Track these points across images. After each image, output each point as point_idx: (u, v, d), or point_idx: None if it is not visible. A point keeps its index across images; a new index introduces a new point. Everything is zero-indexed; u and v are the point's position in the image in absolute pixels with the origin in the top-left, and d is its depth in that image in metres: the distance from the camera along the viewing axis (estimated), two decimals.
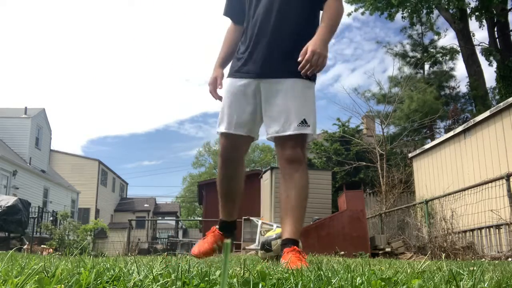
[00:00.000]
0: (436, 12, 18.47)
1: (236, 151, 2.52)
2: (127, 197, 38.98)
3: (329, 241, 7.69)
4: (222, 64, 2.67)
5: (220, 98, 2.54)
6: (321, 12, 2.46)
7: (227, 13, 2.70)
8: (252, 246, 9.55)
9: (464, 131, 8.44)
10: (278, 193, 2.48)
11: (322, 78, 77.31)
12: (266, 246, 2.78)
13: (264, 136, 2.53)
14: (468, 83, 18.46)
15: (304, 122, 2.30)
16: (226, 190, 2.62)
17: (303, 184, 2.31)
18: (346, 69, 74.98)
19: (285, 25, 2.37)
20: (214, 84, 2.60)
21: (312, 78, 2.40)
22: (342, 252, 6.80)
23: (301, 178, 2.31)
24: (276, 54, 2.36)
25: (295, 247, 2.17)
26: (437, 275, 1.32)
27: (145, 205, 35.52)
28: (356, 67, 69.64)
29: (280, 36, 2.36)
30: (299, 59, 2.23)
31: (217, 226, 2.66)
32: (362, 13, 16.70)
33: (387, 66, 59.35)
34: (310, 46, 2.23)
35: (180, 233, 33.89)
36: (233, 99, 2.45)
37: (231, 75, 2.51)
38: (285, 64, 2.35)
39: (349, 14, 17.13)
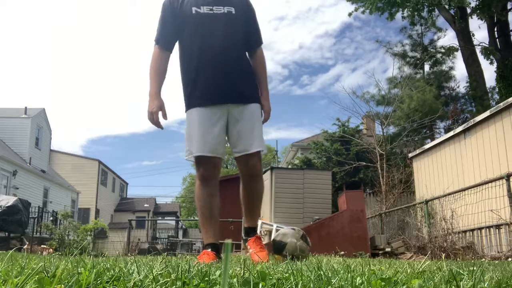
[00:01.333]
0: (436, 12, 18.48)
1: (215, 169, 2.75)
2: (127, 197, 38.96)
3: (329, 241, 7.69)
4: (159, 91, 2.81)
5: (161, 127, 2.76)
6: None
7: (160, 42, 2.83)
8: None
9: (464, 131, 8.44)
10: (242, 195, 2.89)
11: (322, 78, 77.33)
12: (279, 246, 2.81)
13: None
14: (468, 83, 18.46)
15: (258, 143, 2.73)
16: (211, 211, 2.71)
17: (262, 191, 2.90)
18: (347, 69, 74.98)
19: (233, 57, 2.73)
20: (159, 113, 2.74)
21: (259, 103, 2.85)
22: (342, 252, 6.80)
23: (261, 187, 2.87)
24: (238, 82, 2.73)
25: (257, 235, 2.91)
26: (437, 275, 1.32)
27: (145, 205, 35.52)
28: (357, 67, 69.65)
29: (233, 66, 2.72)
30: (263, 118, 2.86)
31: (209, 249, 2.64)
32: (363, 12, 16.68)
33: (388, 66, 59.25)
34: (265, 107, 2.88)
35: (180, 233, 33.87)
36: (205, 126, 2.69)
37: (197, 104, 2.72)
38: (248, 91, 2.77)
39: (350, 14, 17.11)
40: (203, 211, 2.72)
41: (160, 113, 2.74)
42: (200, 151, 2.66)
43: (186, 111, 2.79)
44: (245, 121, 2.71)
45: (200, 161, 2.69)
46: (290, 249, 2.73)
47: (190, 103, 2.74)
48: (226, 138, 2.80)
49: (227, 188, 2.86)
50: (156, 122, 2.73)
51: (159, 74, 2.81)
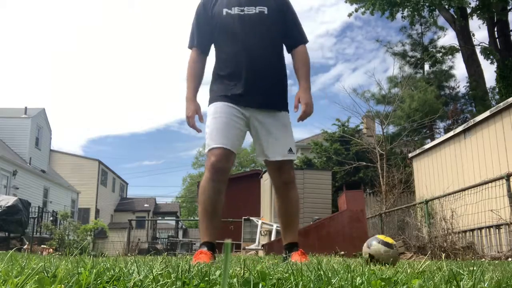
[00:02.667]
0: (436, 12, 18.48)
1: (228, 162, 2.61)
2: (127, 197, 38.95)
3: (329, 241, 7.69)
4: (196, 95, 2.81)
5: (200, 130, 2.75)
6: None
7: (198, 43, 2.82)
8: (252, 246, 9.56)
9: (464, 131, 8.44)
10: (277, 207, 2.89)
11: (323, 78, 77.34)
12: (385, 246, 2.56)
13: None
14: (468, 83, 18.46)
15: (291, 150, 2.72)
16: (215, 208, 2.60)
17: (297, 198, 2.82)
18: (347, 69, 75.04)
19: (264, 60, 2.71)
20: (195, 117, 2.74)
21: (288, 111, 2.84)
22: (342, 252, 6.80)
23: (296, 195, 2.80)
24: (271, 87, 2.71)
25: (301, 250, 2.69)
26: (437, 275, 1.32)
27: (145, 205, 35.51)
28: (358, 67, 69.70)
29: (263, 69, 2.68)
30: (295, 110, 2.73)
31: (205, 248, 2.52)
32: (363, 13, 16.70)
33: (388, 66, 59.35)
34: (303, 99, 2.74)
35: (180, 233, 33.88)
36: (228, 120, 2.64)
37: (222, 99, 2.68)
38: (280, 98, 2.76)
39: (350, 15, 17.13)
40: (206, 207, 2.60)
41: (196, 117, 2.75)
42: (218, 143, 2.58)
43: (209, 105, 2.74)
44: (278, 128, 2.71)
45: (214, 152, 2.59)
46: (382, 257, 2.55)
47: (215, 97, 2.72)
48: (254, 142, 2.80)
49: (227, 189, 2.75)
50: (192, 126, 2.73)
51: (195, 78, 2.81)
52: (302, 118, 2.76)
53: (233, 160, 2.69)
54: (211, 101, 2.72)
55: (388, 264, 2.40)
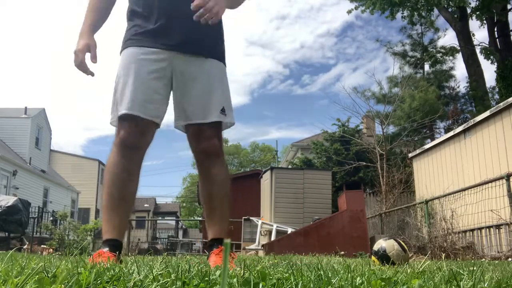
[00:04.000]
0: (436, 12, 18.50)
1: (143, 137, 2.01)
2: None
3: (329, 241, 7.69)
4: (93, 30, 2.15)
5: (92, 73, 2.11)
6: None
7: None
8: (252, 246, 9.56)
9: (464, 131, 8.44)
10: (200, 189, 2.19)
11: (323, 78, 77.35)
12: (382, 253, 2.60)
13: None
14: (468, 83, 18.47)
15: (223, 111, 2.04)
16: (121, 192, 1.97)
17: (223, 178, 2.10)
18: (348, 68, 75.04)
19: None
20: (85, 54, 2.07)
21: (224, 63, 2.16)
22: (342, 252, 6.80)
23: (220, 173, 2.08)
24: (196, 29, 1.97)
25: (221, 247, 1.98)
26: (437, 275, 1.32)
27: (145, 205, 35.54)
28: (358, 66, 69.71)
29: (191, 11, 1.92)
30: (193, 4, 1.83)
31: (106, 249, 1.83)
32: (363, 11, 16.70)
33: (389, 65, 59.41)
34: None
35: (180, 233, 33.92)
36: (138, 72, 1.99)
37: (133, 43, 2.03)
38: (207, 42, 2.07)
39: (349, 12, 17.12)
40: (110, 189, 1.96)
41: (88, 55, 2.08)
42: (126, 108, 1.94)
43: (120, 53, 2.10)
44: (203, 80, 2.02)
45: (124, 122, 1.97)
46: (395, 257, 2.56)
47: (127, 41, 2.06)
48: (173, 99, 2.09)
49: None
50: (80, 65, 2.06)
51: (94, 10, 2.16)
52: (196, 6, 1.83)
53: (150, 131, 2.03)
54: (123, 47, 2.08)
55: (395, 263, 2.42)
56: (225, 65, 2.16)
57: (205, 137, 2.03)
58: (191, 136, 2.07)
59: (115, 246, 1.86)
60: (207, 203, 2.10)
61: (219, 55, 2.12)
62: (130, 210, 2.07)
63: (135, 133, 1.98)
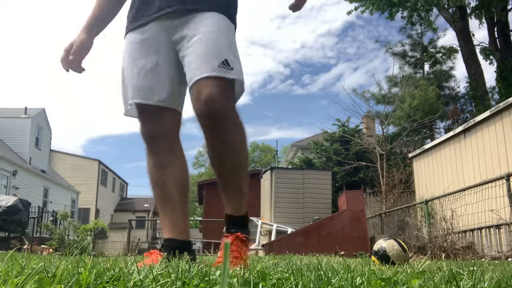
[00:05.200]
0: (436, 12, 18.51)
1: (156, 123, 1.83)
2: (127, 197, 38.99)
3: (329, 241, 7.69)
4: (90, 27, 1.98)
5: (81, 70, 1.97)
6: None
7: None
8: (252, 246, 9.56)
9: (464, 131, 8.44)
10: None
11: (324, 78, 77.39)
12: (382, 253, 2.57)
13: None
14: (468, 83, 18.48)
15: (225, 64, 1.68)
16: (163, 190, 1.83)
17: (236, 138, 1.71)
18: (349, 68, 74.99)
19: None
20: (68, 50, 1.93)
21: (232, 20, 1.83)
22: (342, 252, 6.80)
23: (234, 131, 1.70)
24: None
25: (238, 233, 1.71)
26: (437, 275, 1.32)
27: (145, 205, 35.51)
28: (359, 66, 69.66)
29: None
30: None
31: (157, 249, 1.79)
32: (362, 12, 16.73)
33: (389, 65, 59.34)
34: None
35: None
36: (128, 59, 1.86)
37: (126, 32, 1.91)
38: None
39: (349, 13, 17.15)
40: (153, 191, 1.85)
41: (75, 49, 1.93)
42: (136, 96, 1.81)
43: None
44: (195, 37, 1.73)
45: (139, 114, 1.85)
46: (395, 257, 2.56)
47: (127, 28, 1.94)
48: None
49: None
50: (62, 61, 1.92)
51: (97, 9, 1.99)
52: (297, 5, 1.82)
53: (169, 117, 1.84)
54: (125, 36, 1.95)
55: (395, 263, 2.43)
56: (232, 22, 1.83)
57: (206, 88, 1.65)
58: (192, 100, 1.71)
59: (167, 246, 1.76)
60: (217, 170, 1.77)
61: (218, 7, 1.78)
62: (183, 203, 1.85)
63: (144, 121, 1.84)
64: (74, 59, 1.92)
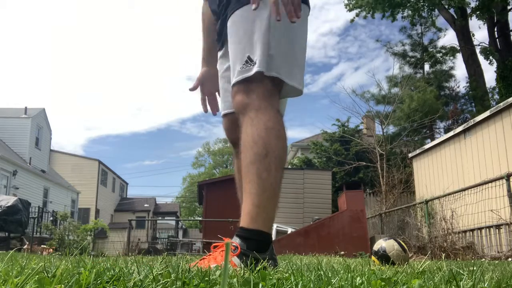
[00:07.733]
0: (436, 12, 18.52)
1: (233, 132, 1.79)
2: (127, 197, 38.99)
3: (329, 241, 7.70)
4: (208, 59, 2.06)
5: (206, 110, 2.07)
6: None
7: None
8: None
9: (464, 131, 8.44)
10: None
11: (325, 77, 77.37)
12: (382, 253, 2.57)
13: None
14: (468, 83, 18.48)
15: (248, 62, 1.57)
16: (240, 186, 1.77)
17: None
18: (350, 68, 74.86)
19: None
20: (200, 82, 2.05)
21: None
22: (342, 252, 6.81)
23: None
24: None
25: (236, 242, 1.49)
26: (437, 275, 1.32)
27: (145, 205, 35.53)
28: (360, 66, 69.52)
29: None
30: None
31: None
32: (365, 17, 16.85)
33: (390, 65, 58.98)
34: None
35: (180, 233, 33.93)
36: (213, 66, 2.04)
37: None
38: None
39: (352, 21, 17.37)
40: (237, 191, 1.80)
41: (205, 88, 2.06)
42: (220, 108, 2.03)
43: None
44: (231, 32, 1.67)
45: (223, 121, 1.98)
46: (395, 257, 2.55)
47: None
48: None
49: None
50: (202, 102, 2.06)
51: (204, 32, 2.04)
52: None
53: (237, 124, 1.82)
54: None
55: (395, 263, 2.43)
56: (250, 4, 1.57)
57: (234, 99, 1.61)
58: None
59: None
60: (243, 175, 1.60)
61: (238, 1, 1.64)
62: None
63: (226, 130, 1.92)
64: (208, 91, 2.04)
